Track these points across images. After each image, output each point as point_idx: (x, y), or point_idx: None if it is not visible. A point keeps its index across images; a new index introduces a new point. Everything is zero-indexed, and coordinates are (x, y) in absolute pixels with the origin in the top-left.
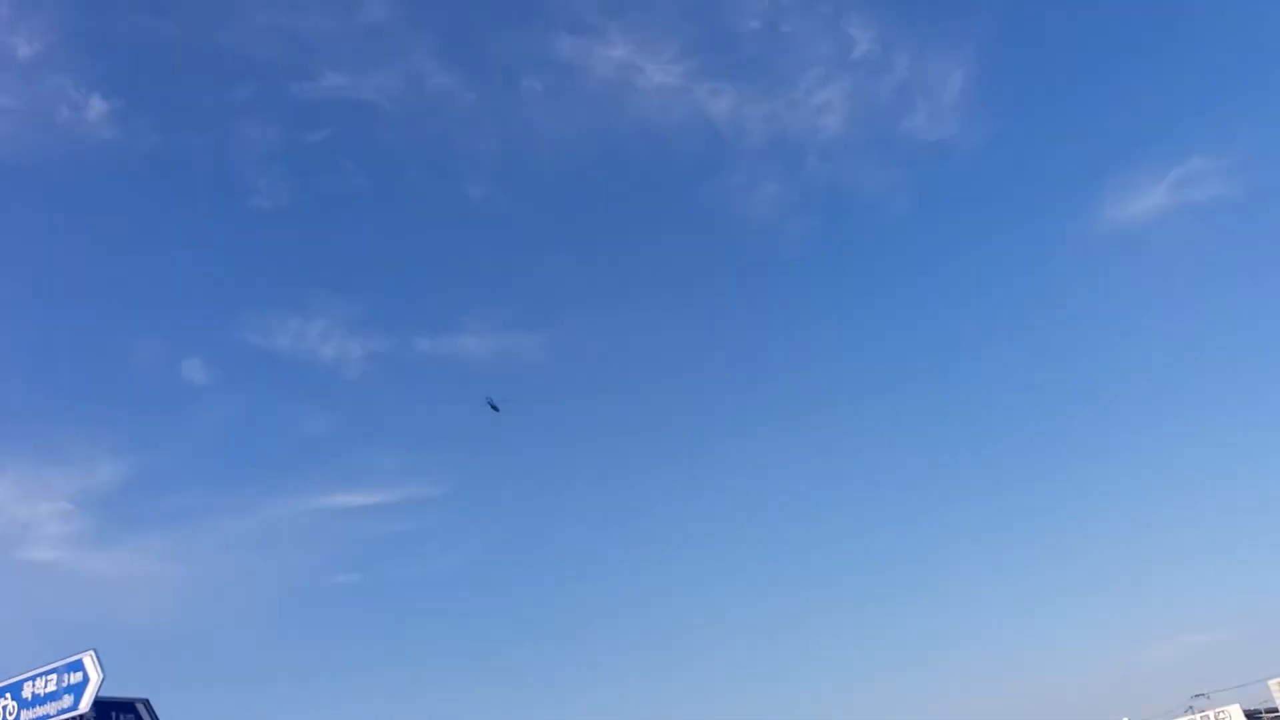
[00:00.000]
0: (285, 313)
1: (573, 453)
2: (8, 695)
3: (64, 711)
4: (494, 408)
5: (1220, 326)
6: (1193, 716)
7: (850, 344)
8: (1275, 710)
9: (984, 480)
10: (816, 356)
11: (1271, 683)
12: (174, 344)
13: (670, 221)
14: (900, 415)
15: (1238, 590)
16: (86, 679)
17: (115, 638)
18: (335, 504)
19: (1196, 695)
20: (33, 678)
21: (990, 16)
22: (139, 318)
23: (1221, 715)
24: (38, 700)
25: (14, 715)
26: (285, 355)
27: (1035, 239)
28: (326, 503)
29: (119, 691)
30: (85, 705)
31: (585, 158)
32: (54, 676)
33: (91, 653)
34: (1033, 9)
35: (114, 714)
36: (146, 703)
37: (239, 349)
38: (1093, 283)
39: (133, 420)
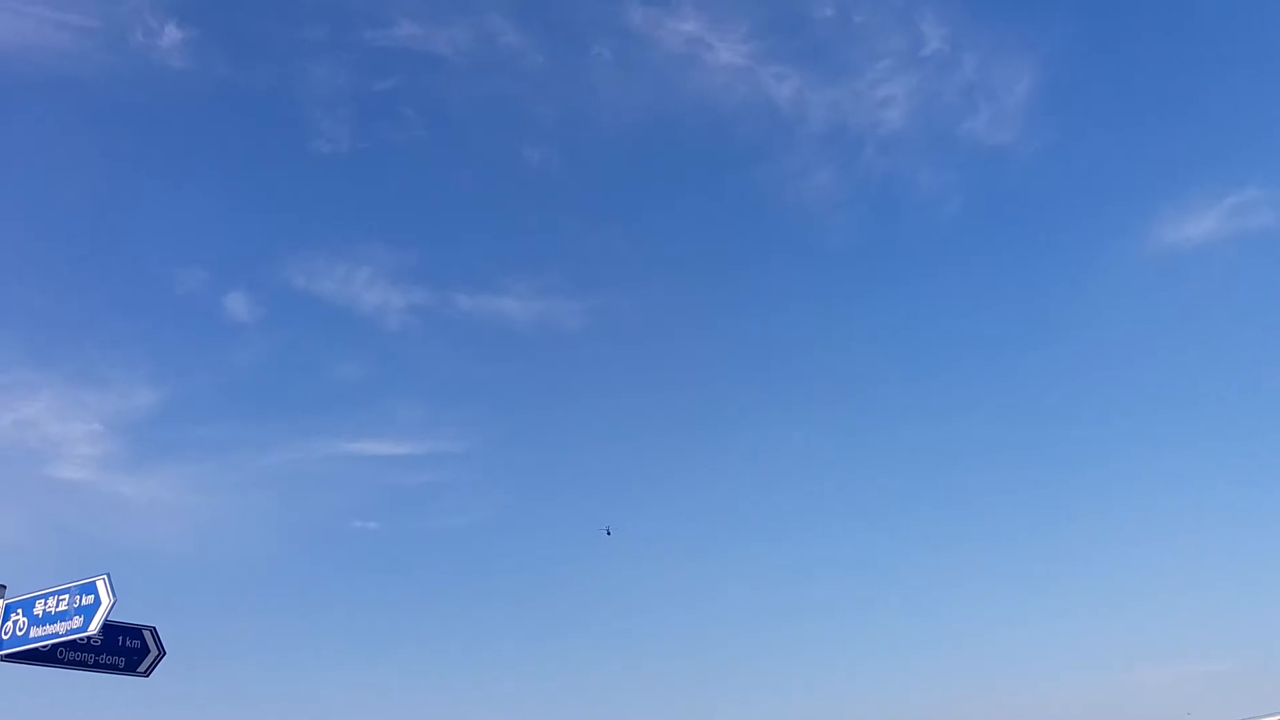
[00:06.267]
0: (333, 258)
1: (601, 425)
2: (19, 610)
3: (73, 632)
4: (608, 532)
5: (1259, 360)
6: None
7: (881, 339)
8: None
9: (995, 487)
10: (846, 348)
11: None
12: (219, 277)
13: (722, 202)
14: (918, 413)
15: (1244, 625)
16: (98, 602)
17: (133, 562)
18: (360, 450)
19: None
20: (45, 596)
21: (1064, 25)
22: (188, 247)
23: None
24: (48, 618)
25: (24, 630)
26: (328, 299)
27: (1083, 253)
28: (352, 448)
29: (132, 616)
30: (94, 628)
31: (644, 130)
32: (66, 596)
33: (105, 576)
34: (1107, 21)
35: (121, 638)
36: (154, 630)
37: (283, 289)
38: (1135, 301)
39: (171, 349)
